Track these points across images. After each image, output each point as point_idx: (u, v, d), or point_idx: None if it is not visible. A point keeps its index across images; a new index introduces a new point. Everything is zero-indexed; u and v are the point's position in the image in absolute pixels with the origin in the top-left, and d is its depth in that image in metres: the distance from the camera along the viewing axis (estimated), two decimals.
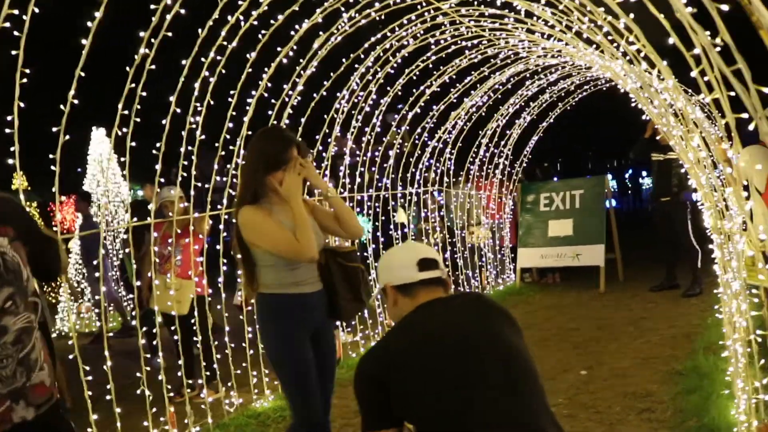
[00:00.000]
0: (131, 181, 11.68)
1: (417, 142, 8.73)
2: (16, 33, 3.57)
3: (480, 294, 2.50)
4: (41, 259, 2.29)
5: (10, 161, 3.78)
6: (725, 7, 2.31)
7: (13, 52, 3.63)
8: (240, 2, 4.59)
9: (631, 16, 3.16)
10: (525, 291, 10.27)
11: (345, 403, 5.26)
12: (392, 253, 2.52)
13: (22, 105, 3.72)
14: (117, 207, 11.03)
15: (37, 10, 3.58)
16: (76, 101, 3.94)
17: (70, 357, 4.12)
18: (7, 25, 3.42)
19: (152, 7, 4.08)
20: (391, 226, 8.43)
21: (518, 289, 10.41)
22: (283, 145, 3.33)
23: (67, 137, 3.97)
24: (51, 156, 3.93)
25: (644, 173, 38.11)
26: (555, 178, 12.13)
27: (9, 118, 3.72)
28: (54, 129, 3.95)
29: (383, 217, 8.42)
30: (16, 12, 3.40)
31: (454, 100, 8.67)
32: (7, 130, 3.72)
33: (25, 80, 3.73)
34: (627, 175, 43.99)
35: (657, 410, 4.71)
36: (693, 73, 2.87)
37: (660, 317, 7.61)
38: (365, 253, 7.82)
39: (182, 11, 4.18)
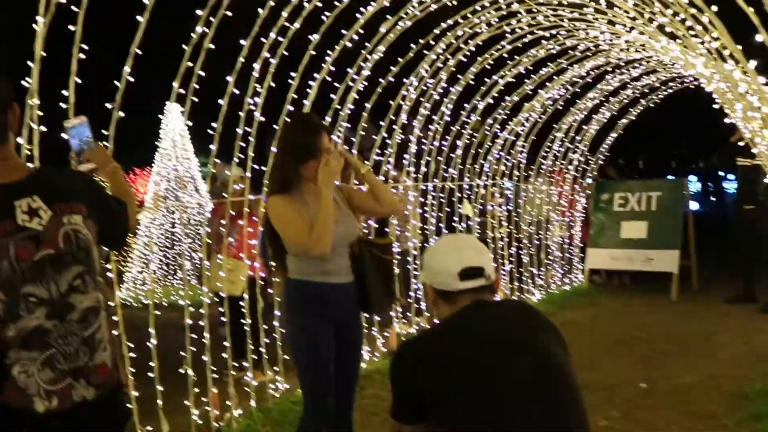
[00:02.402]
0: (200, 156, 11.96)
1: (488, 133, 8.48)
2: (74, 8, 3.56)
3: (527, 304, 2.35)
4: (112, 230, 2.30)
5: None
6: None
7: (71, 28, 3.63)
8: None
9: (714, 8, 2.88)
10: (592, 293, 9.91)
11: (375, 392, 5.34)
12: (435, 255, 2.33)
13: (78, 81, 3.72)
14: (187, 183, 11.23)
15: None
16: (131, 78, 3.91)
17: (114, 333, 4.13)
18: (64, 0, 3.41)
19: None
20: (456, 218, 8.24)
21: (585, 291, 10.05)
22: (312, 134, 3.26)
23: (121, 114, 3.96)
24: (105, 132, 3.91)
25: (731, 176, 36.53)
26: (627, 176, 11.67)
27: (65, 92, 3.71)
28: (108, 105, 3.93)
29: (448, 209, 8.24)
30: None
31: (529, 92, 8.37)
32: (63, 105, 3.71)
33: (82, 56, 3.72)
34: (713, 178, 42.25)
35: None
36: None
37: (734, 333, 7.17)
38: (426, 245, 7.65)
39: None
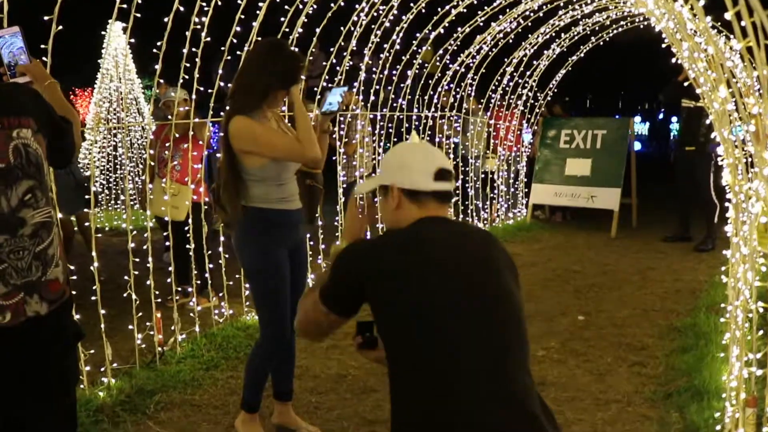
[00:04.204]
0: (144, 77, 11.60)
1: (438, 64, 8.41)
2: None
3: (491, 233, 2.32)
4: (59, 147, 2.26)
5: None
6: None
7: None
8: None
9: None
10: (534, 228, 10.10)
11: None
12: (408, 153, 2.22)
13: None
14: (129, 104, 10.90)
15: None
16: None
17: None
18: None
19: None
20: None
21: (528, 226, 10.23)
22: (297, 61, 3.33)
23: (60, 27, 3.76)
24: (43, 46, 3.72)
25: (674, 118, 37.17)
26: (572, 114, 11.78)
27: None
28: (46, 18, 3.73)
29: (396, 139, 8.22)
30: None
31: (481, 24, 8.26)
32: None
33: None
34: (657, 119, 43.01)
35: (649, 365, 4.61)
36: (727, 14, 2.60)
37: (667, 269, 7.44)
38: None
39: None
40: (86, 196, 6.43)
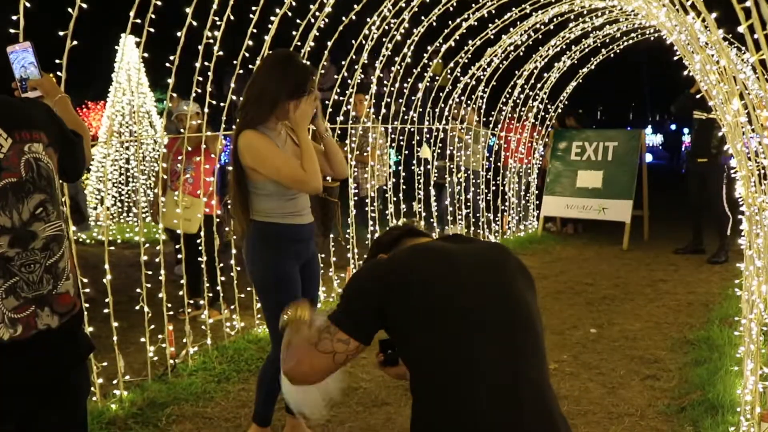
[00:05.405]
0: (156, 91, 11.66)
1: (449, 77, 8.44)
2: None
3: (502, 244, 2.32)
4: (70, 161, 2.27)
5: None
6: None
7: None
8: None
9: None
10: (546, 240, 10.07)
11: None
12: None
13: (27, 5, 3.55)
14: (142, 117, 10.96)
15: None
16: (84, 5, 3.75)
17: None
18: None
19: None
20: (414, 161, 8.25)
21: (539, 238, 10.20)
22: (307, 73, 3.26)
23: (75, 42, 3.80)
24: (57, 61, 3.76)
25: (686, 130, 37.01)
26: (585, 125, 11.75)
27: (14, 17, 3.55)
28: (61, 33, 3.77)
29: (407, 152, 8.24)
30: None
31: (492, 37, 8.30)
32: (12, 30, 3.55)
33: None
34: (668, 131, 42.87)
35: (662, 378, 4.57)
36: (740, 28, 2.61)
37: (679, 282, 7.40)
38: (385, 187, 7.66)
39: None
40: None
